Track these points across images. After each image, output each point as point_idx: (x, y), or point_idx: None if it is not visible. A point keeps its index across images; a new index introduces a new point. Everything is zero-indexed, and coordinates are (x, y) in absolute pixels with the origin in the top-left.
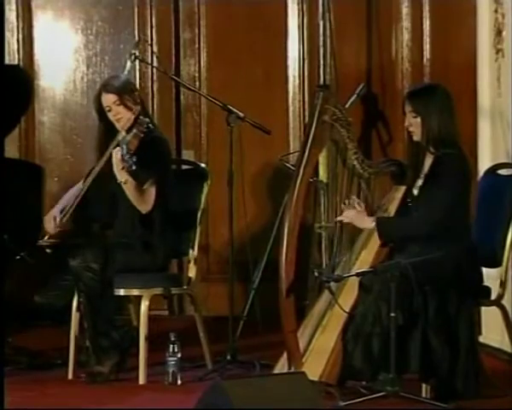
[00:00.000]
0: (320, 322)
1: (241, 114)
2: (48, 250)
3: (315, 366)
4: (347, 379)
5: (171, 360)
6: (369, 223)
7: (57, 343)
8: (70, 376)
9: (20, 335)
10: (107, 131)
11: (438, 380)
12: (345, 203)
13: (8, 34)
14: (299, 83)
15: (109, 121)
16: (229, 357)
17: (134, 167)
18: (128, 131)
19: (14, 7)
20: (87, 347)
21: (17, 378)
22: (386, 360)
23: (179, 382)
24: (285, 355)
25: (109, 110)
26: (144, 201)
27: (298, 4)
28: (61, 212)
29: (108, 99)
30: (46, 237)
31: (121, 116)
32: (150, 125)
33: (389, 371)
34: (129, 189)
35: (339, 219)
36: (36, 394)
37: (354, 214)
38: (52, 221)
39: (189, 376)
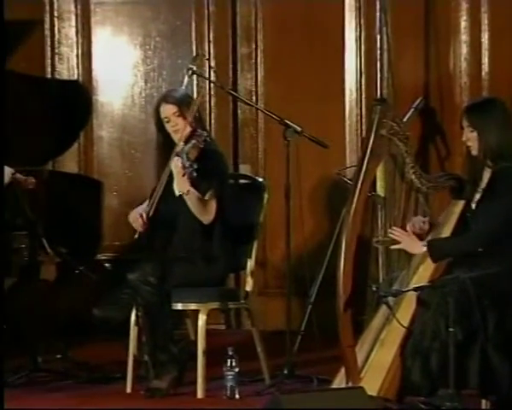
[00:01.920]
0: (378, 337)
1: (299, 128)
2: (106, 264)
3: (373, 381)
4: (406, 395)
5: (229, 375)
6: (419, 249)
7: (116, 357)
8: (129, 390)
9: (80, 349)
10: (166, 143)
11: (498, 396)
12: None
13: (67, 50)
14: (357, 97)
15: (167, 133)
16: (286, 372)
17: (195, 174)
18: (186, 142)
19: (73, 23)
20: (146, 361)
21: (76, 392)
22: (445, 375)
23: (237, 396)
24: (343, 370)
25: (168, 121)
26: (206, 211)
27: (355, 18)
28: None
29: (168, 110)
30: (136, 235)
31: (179, 127)
32: (208, 138)
33: (448, 387)
34: (191, 199)
35: (391, 236)
36: (95, 408)
37: (405, 239)
38: (139, 219)
39: (247, 390)
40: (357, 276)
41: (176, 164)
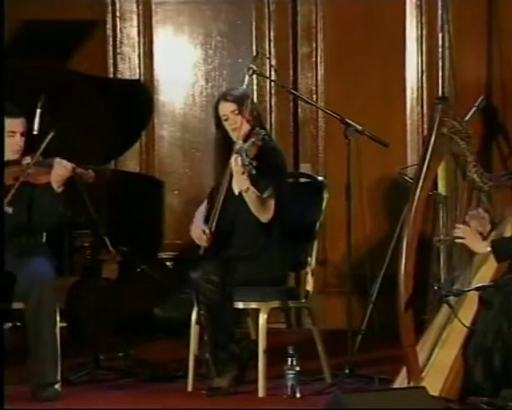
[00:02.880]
0: (439, 336)
1: (359, 127)
2: (168, 263)
3: (435, 381)
4: (468, 395)
5: (290, 374)
6: (483, 248)
7: (178, 356)
8: (190, 388)
9: (142, 347)
10: (225, 141)
11: None
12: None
13: (129, 50)
14: (418, 95)
15: (226, 131)
16: (347, 371)
17: (254, 172)
18: (245, 140)
19: (135, 23)
20: (207, 359)
21: (138, 391)
22: (508, 375)
23: (298, 395)
24: (404, 370)
25: (226, 119)
26: (265, 209)
27: (416, 16)
28: (206, 222)
29: (227, 107)
30: (202, 251)
31: (238, 125)
32: (266, 136)
33: (511, 387)
34: (250, 196)
35: (456, 234)
36: (156, 406)
37: (470, 236)
38: (203, 236)
39: (307, 389)
40: (419, 275)
41: (235, 162)
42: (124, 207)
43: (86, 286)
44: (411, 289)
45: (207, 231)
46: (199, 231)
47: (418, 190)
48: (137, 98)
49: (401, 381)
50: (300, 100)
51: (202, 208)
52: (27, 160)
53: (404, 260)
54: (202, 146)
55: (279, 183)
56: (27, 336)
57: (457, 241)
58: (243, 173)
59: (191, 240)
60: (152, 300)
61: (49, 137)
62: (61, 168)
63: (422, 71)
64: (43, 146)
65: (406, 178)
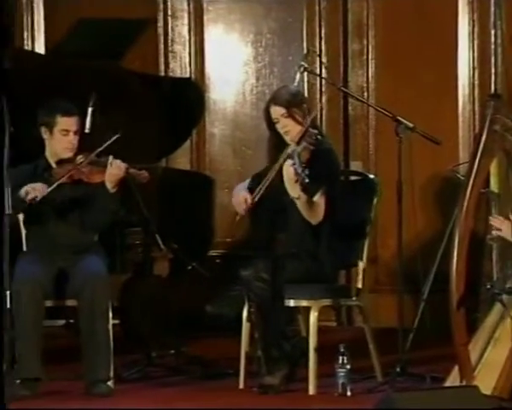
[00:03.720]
0: (492, 335)
1: (411, 125)
2: (218, 261)
3: (487, 379)
4: None
5: (341, 372)
6: None
7: (229, 353)
8: (241, 386)
9: (193, 345)
10: (277, 143)
11: None
12: None
13: (180, 48)
14: (469, 92)
15: (278, 133)
16: (398, 369)
17: (307, 180)
18: (297, 143)
19: (186, 21)
20: (258, 357)
21: (190, 388)
22: None
23: (349, 393)
24: (456, 369)
25: (277, 122)
26: (315, 213)
27: (469, 12)
28: (250, 192)
29: (277, 111)
30: (238, 217)
31: (289, 129)
32: (319, 136)
33: None
34: (300, 203)
35: (494, 227)
36: (208, 403)
37: (506, 227)
38: (243, 203)
39: (358, 387)
40: (471, 273)
41: (288, 169)
42: (175, 204)
43: (138, 283)
44: (463, 287)
45: (249, 200)
46: (240, 198)
47: (469, 188)
48: (188, 96)
49: (453, 380)
50: (351, 97)
51: (242, 184)
52: (81, 158)
53: (455, 258)
54: (253, 144)
55: (331, 186)
56: (80, 333)
57: (494, 232)
58: (296, 181)
59: (241, 238)
60: (203, 297)
61: (112, 139)
62: (116, 169)
63: (474, 68)
64: (101, 148)
65: (458, 175)
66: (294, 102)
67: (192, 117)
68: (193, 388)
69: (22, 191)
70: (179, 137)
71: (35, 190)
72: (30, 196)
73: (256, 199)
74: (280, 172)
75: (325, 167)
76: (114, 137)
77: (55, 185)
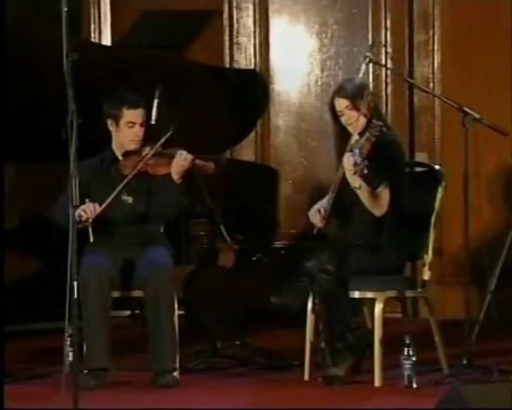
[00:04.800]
0: None
1: (477, 115)
2: (283, 252)
3: None
4: None
5: (407, 364)
6: None
7: (294, 344)
8: (306, 377)
9: (258, 335)
10: (342, 135)
11: None
12: None
13: (245, 39)
14: None
15: (343, 125)
16: (465, 361)
17: (366, 171)
18: (361, 134)
19: (251, 13)
20: (322, 349)
21: (255, 379)
22: None
23: (415, 385)
24: None
25: (342, 115)
26: (378, 204)
27: None
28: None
29: (341, 103)
30: (315, 231)
31: (353, 120)
32: (383, 128)
33: None
34: (363, 193)
35: None
36: (272, 395)
37: None
38: (318, 214)
39: (424, 379)
40: None
41: (347, 160)
42: (239, 195)
43: (203, 274)
44: None
45: (322, 210)
46: (313, 210)
47: None
48: (253, 88)
49: None
50: (417, 88)
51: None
52: (147, 150)
53: None
54: (317, 135)
55: (395, 177)
56: (146, 323)
57: None
58: (355, 173)
59: (306, 229)
60: (268, 288)
61: (168, 135)
62: (182, 160)
63: None
64: (162, 139)
65: None
66: (358, 94)
67: (256, 108)
68: (258, 379)
69: (76, 214)
70: (244, 129)
71: (86, 213)
72: (83, 219)
73: (329, 207)
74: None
75: (388, 159)
76: (169, 134)
77: (108, 201)
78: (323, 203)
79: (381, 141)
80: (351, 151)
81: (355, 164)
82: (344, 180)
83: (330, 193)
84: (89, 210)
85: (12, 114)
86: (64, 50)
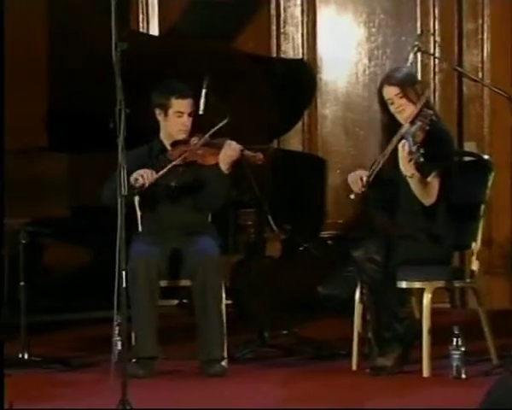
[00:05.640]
0: None
1: None
2: (330, 242)
3: None
4: None
5: (455, 354)
6: None
7: (342, 334)
8: (354, 367)
9: (306, 325)
10: (390, 125)
11: None
12: None
13: (292, 29)
14: None
15: (392, 114)
16: None
17: (422, 159)
18: (411, 123)
19: (298, 2)
20: (370, 338)
21: (303, 368)
22: None
23: (464, 376)
24: None
25: (391, 103)
26: (428, 193)
27: None
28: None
29: (390, 91)
30: (352, 196)
31: (403, 108)
32: (434, 117)
33: None
34: (414, 181)
35: None
36: (320, 384)
37: None
38: (359, 181)
39: (473, 370)
40: None
41: (402, 147)
42: (287, 185)
43: (250, 264)
44: None
45: (365, 178)
46: (356, 175)
47: None
48: (300, 77)
49: None
50: (466, 77)
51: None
52: (195, 140)
53: None
54: (365, 125)
55: (445, 166)
56: (194, 312)
57: None
58: (410, 161)
59: (353, 219)
60: (315, 278)
61: (224, 122)
62: (231, 150)
63: None
64: (214, 129)
65: None
66: (408, 82)
67: (304, 98)
68: (305, 368)
69: (132, 178)
70: (291, 119)
71: (143, 178)
72: (138, 184)
73: (371, 178)
74: (393, 153)
75: (440, 148)
76: (225, 121)
77: (164, 171)
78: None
79: (432, 130)
80: (405, 139)
81: (410, 152)
82: (393, 167)
83: (375, 165)
84: (146, 175)
85: (62, 105)
86: (113, 40)
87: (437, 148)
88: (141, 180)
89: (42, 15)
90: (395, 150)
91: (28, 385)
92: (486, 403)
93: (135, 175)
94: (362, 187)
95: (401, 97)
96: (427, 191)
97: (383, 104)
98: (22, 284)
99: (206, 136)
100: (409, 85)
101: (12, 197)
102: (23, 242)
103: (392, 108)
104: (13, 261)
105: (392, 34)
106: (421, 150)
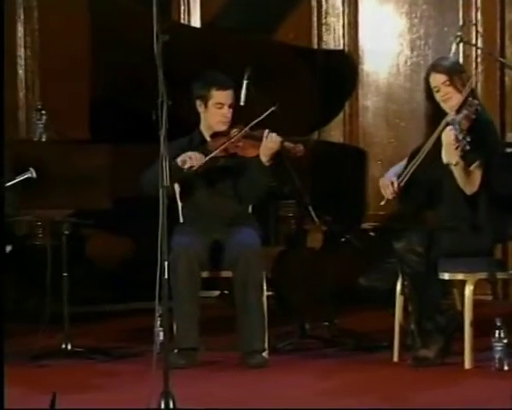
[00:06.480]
0: None
1: None
2: (371, 233)
3: None
4: None
5: (498, 346)
6: None
7: (383, 326)
8: (395, 359)
9: (346, 317)
10: (435, 113)
11: None
12: None
13: (334, 20)
14: None
15: (437, 103)
16: None
17: (468, 147)
18: (457, 111)
19: None
20: (412, 330)
21: (343, 360)
22: None
23: (506, 368)
24: None
25: (438, 91)
26: (471, 182)
27: None
28: (398, 177)
29: (438, 79)
30: (383, 202)
31: (450, 96)
32: (479, 107)
33: None
34: (458, 170)
35: None
36: (361, 376)
37: None
38: (390, 186)
39: None
40: None
41: (448, 134)
42: (328, 176)
43: (291, 256)
44: None
45: (396, 183)
46: (386, 181)
47: None
48: (341, 69)
49: None
50: (508, 68)
51: (399, 166)
52: (235, 132)
53: None
54: (407, 116)
55: (489, 156)
56: (236, 303)
57: None
58: (457, 148)
59: (394, 211)
60: (356, 269)
61: (267, 112)
62: (271, 142)
63: None
64: (255, 121)
65: None
66: (455, 71)
67: (345, 89)
68: (346, 360)
69: (179, 160)
70: (332, 110)
71: (192, 160)
72: (187, 165)
73: (402, 184)
74: (436, 143)
75: (483, 138)
76: (269, 110)
77: (212, 155)
78: (397, 170)
79: (477, 119)
80: (450, 125)
81: (456, 139)
82: (434, 157)
83: (409, 167)
84: (194, 157)
85: (104, 98)
86: (154, 32)
87: (481, 137)
88: (189, 162)
89: (83, 9)
90: (437, 141)
91: (70, 376)
92: None
93: (182, 157)
94: (393, 192)
95: (448, 85)
96: (470, 180)
97: (429, 92)
98: (65, 274)
99: (247, 128)
100: (456, 74)
101: (55, 189)
102: (66, 233)
103: (437, 96)
104: (56, 252)
105: (434, 25)
106: (468, 138)
